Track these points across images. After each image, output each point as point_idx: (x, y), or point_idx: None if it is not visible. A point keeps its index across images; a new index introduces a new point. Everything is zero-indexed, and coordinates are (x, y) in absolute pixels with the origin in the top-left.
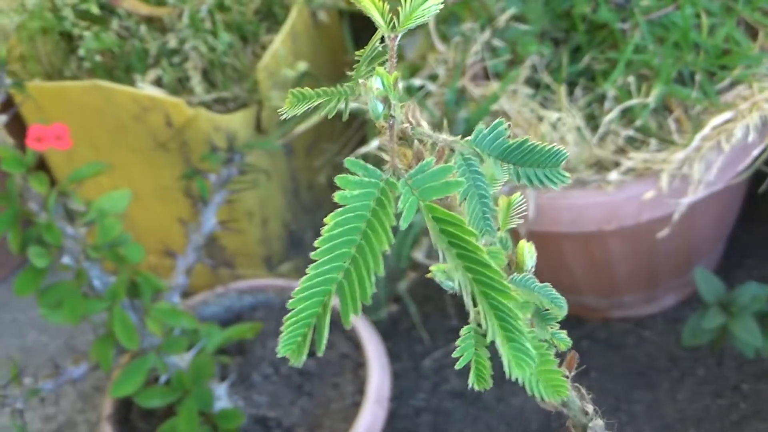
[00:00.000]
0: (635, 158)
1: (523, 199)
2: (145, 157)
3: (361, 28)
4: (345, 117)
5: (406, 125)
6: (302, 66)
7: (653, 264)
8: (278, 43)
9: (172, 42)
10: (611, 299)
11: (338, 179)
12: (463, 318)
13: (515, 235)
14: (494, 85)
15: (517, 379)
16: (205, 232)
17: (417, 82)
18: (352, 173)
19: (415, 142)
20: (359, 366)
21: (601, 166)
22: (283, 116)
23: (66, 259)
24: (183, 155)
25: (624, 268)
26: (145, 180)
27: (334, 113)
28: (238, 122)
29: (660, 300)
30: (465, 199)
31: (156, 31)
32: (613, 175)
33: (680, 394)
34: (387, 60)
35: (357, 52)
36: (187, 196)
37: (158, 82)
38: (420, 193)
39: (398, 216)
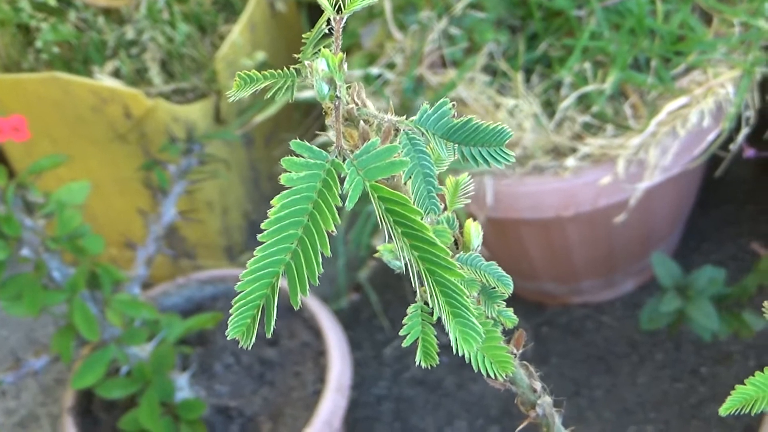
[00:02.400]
0: (592, 144)
1: (470, 179)
2: (104, 149)
3: (319, 17)
4: (291, 98)
5: (351, 106)
6: (260, 56)
7: (611, 249)
8: (236, 33)
9: (130, 33)
10: (570, 285)
11: (284, 161)
12: None
13: None
14: (451, 73)
15: (472, 364)
16: (164, 222)
17: (375, 70)
18: (298, 155)
19: (361, 122)
20: (320, 354)
21: (558, 153)
22: (242, 106)
23: (25, 252)
24: (142, 146)
25: (582, 253)
26: (104, 171)
27: (282, 97)
28: (196, 113)
29: (619, 285)
30: (410, 177)
31: (114, 23)
32: (570, 161)
33: (639, 379)
34: (333, 42)
35: (304, 35)
36: (146, 187)
37: (116, 74)
38: (365, 174)
39: (344, 197)
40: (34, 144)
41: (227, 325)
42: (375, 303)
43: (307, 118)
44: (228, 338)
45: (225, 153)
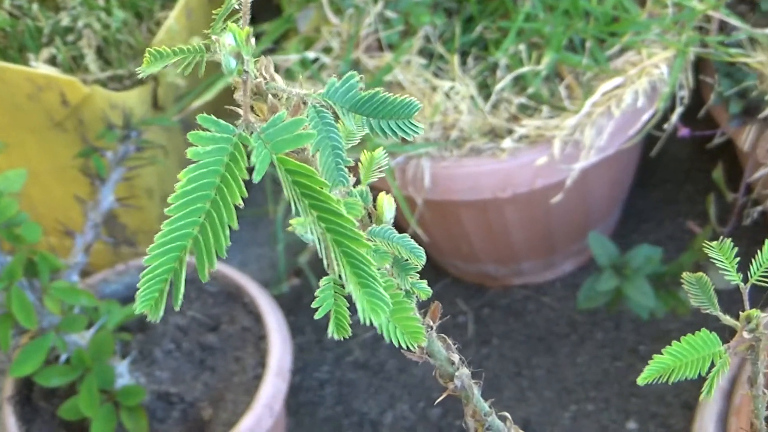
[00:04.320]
0: (528, 125)
1: (386, 154)
2: (41, 137)
3: (258, 2)
4: (201, 73)
5: (259, 80)
6: (196, 41)
7: (550, 230)
8: (172, 19)
9: (66, 20)
10: (510, 267)
11: (190, 135)
12: None
13: (411, 204)
14: (388, 56)
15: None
16: (102, 209)
17: (311, 55)
18: (205, 129)
19: (269, 96)
20: (261, 339)
21: (495, 134)
22: (180, 92)
23: None
24: (79, 134)
25: (521, 235)
26: (42, 160)
27: (189, 70)
28: (134, 99)
29: (558, 266)
30: (318, 150)
31: (49, 10)
32: (507, 143)
33: (580, 358)
34: (241, 17)
35: (213, 12)
36: (84, 175)
37: (53, 61)
38: (272, 147)
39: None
40: None
41: (167, 311)
42: (316, 288)
43: None
44: (136, 312)
45: (163, 139)
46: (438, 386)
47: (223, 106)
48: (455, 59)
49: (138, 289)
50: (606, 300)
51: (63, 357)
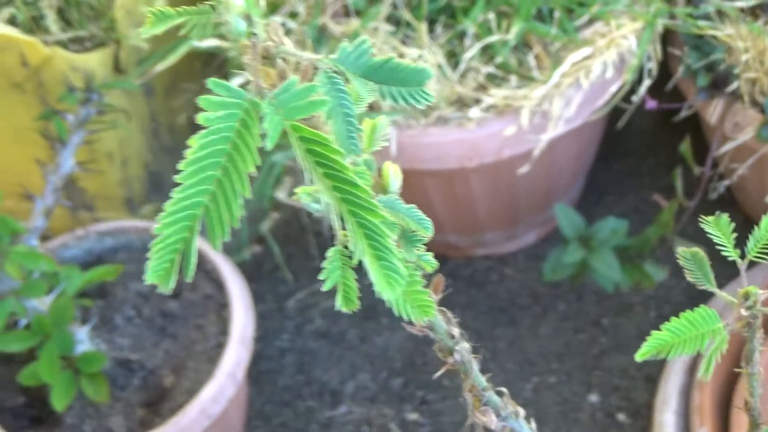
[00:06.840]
0: (496, 95)
1: (387, 122)
2: (0, 98)
3: None
4: (207, 36)
5: (269, 43)
6: (161, 4)
7: (514, 201)
8: None
9: None
10: (474, 237)
11: (201, 100)
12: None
13: None
14: (355, 23)
15: (394, 308)
16: (62, 173)
17: (277, 19)
18: (215, 94)
19: (279, 61)
20: (223, 307)
21: (462, 103)
22: (142, 55)
23: None
24: (39, 96)
25: (486, 205)
26: (0, 121)
27: (196, 34)
28: (95, 62)
29: (521, 237)
30: (330, 118)
31: None
32: (474, 112)
33: (542, 330)
34: None
35: None
36: (44, 138)
37: (12, 21)
38: (285, 113)
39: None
40: None
41: (128, 277)
42: (277, 255)
43: (207, 68)
44: (146, 283)
45: (125, 103)
46: (400, 356)
47: (185, 71)
48: (423, 27)
49: (148, 258)
50: (571, 272)
51: (22, 322)
